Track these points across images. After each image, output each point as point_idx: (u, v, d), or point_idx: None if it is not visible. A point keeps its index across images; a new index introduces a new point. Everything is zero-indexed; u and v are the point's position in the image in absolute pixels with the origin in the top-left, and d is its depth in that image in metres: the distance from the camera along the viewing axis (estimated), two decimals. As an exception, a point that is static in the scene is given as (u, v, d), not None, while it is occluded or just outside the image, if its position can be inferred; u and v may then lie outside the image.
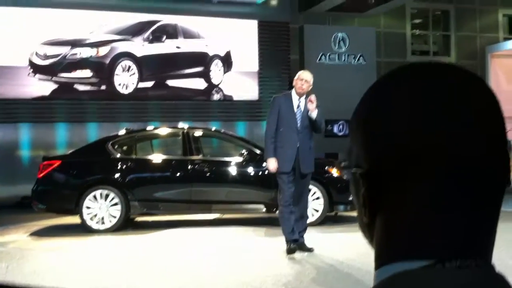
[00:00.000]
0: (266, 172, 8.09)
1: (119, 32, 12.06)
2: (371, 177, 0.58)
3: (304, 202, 6.08)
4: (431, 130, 0.55)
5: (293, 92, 5.95)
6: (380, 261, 0.59)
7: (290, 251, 5.88)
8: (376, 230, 0.60)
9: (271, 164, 5.84)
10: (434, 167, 0.55)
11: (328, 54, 13.13)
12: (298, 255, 5.88)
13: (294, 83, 5.97)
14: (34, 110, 11.18)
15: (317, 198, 7.89)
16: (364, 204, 0.59)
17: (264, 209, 8.06)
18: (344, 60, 13.21)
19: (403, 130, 0.56)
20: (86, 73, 11.72)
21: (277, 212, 6.30)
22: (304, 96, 5.88)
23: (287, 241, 5.94)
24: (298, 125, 5.81)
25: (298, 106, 5.88)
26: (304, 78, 5.87)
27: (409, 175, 0.56)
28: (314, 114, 5.74)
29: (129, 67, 11.98)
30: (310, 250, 6.00)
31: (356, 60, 13.48)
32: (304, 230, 6.08)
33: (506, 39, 16.34)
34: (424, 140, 0.55)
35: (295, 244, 5.91)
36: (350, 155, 0.63)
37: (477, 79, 0.59)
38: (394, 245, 0.58)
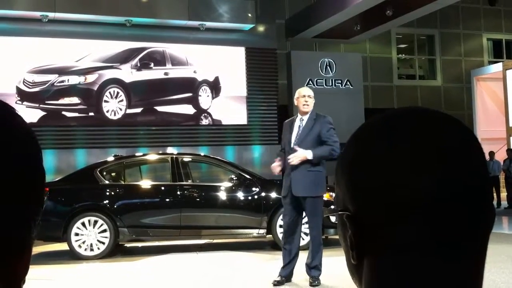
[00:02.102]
0: (256, 197, 8.13)
1: (106, 60, 12.11)
2: (357, 220, 0.59)
3: (312, 231, 5.47)
4: (406, 181, 0.56)
5: (298, 113, 5.57)
6: None
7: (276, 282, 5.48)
8: (364, 273, 0.60)
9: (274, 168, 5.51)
10: (412, 216, 0.56)
11: (315, 79, 13.26)
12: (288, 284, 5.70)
13: (296, 103, 5.57)
14: (22, 138, 11.09)
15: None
16: (351, 246, 0.60)
17: (255, 234, 8.02)
18: (332, 85, 13.34)
19: (380, 181, 0.57)
20: (74, 100, 11.73)
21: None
22: (309, 114, 5.49)
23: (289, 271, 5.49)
24: (292, 142, 5.41)
25: (299, 126, 5.51)
26: (306, 94, 5.50)
27: (389, 221, 0.57)
28: (309, 156, 5.28)
29: (118, 93, 12.00)
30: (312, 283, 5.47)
31: (343, 84, 13.61)
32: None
33: (490, 62, 16.60)
34: (399, 191, 0.56)
35: (280, 273, 5.50)
36: (337, 198, 0.64)
37: (450, 122, 0.60)
38: None
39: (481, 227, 0.57)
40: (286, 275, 5.48)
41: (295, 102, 5.60)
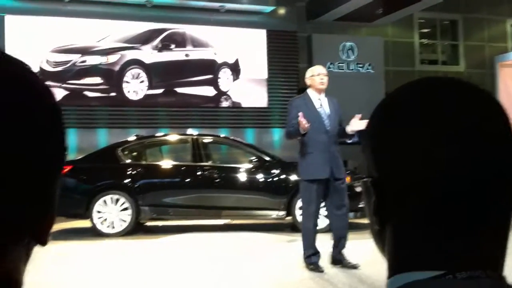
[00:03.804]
0: (276, 179, 8.17)
1: (128, 41, 12.15)
2: (381, 186, 0.60)
3: (343, 207, 5.43)
4: (429, 150, 0.57)
5: (310, 91, 5.46)
6: (392, 270, 0.60)
7: (310, 267, 5.41)
8: (387, 239, 0.61)
9: (302, 125, 5.04)
10: (433, 184, 0.56)
11: (336, 63, 13.18)
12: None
13: (309, 82, 5.46)
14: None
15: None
16: (374, 212, 0.61)
17: (274, 215, 8.08)
18: (353, 69, 13.26)
19: (403, 148, 0.58)
20: (96, 80, 11.80)
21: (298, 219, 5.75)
22: (324, 94, 5.45)
23: (307, 256, 5.43)
24: (326, 125, 5.30)
25: (321, 105, 5.40)
26: (321, 72, 5.43)
27: (412, 189, 0.58)
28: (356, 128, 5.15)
29: (138, 74, 12.06)
30: (354, 266, 5.46)
31: (364, 68, 13.52)
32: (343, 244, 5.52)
33: (514, 49, 16.34)
34: (422, 160, 0.57)
35: (317, 260, 5.42)
36: (363, 165, 0.66)
37: (480, 92, 0.60)
38: (404, 255, 0.59)
39: (505, 201, 0.57)
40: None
41: (308, 81, 5.50)
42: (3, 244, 0.51)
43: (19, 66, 0.54)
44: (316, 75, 5.42)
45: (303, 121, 5.02)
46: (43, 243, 0.55)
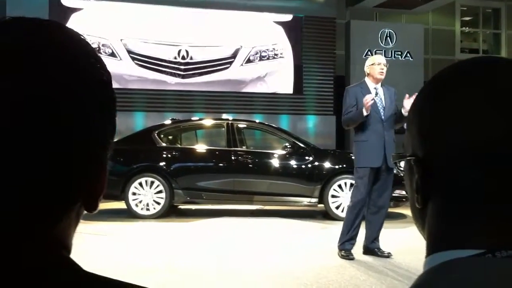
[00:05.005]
0: (309, 165, 8.15)
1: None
2: (425, 164, 0.61)
3: (387, 201, 5.51)
4: (476, 128, 0.56)
5: (367, 80, 5.44)
6: (431, 248, 0.60)
7: (341, 253, 5.43)
8: (427, 217, 0.62)
9: (364, 102, 5.08)
10: (479, 162, 0.56)
11: (374, 50, 13.01)
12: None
13: (368, 70, 5.42)
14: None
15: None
16: (417, 190, 0.61)
17: (306, 202, 8.08)
18: (391, 56, 13.07)
19: (449, 126, 0.58)
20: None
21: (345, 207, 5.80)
22: (380, 84, 5.43)
23: (341, 243, 5.46)
24: (382, 114, 5.31)
25: (377, 94, 5.37)
26: (382, 61, 5.39)
27: (460, 165, 0.58)
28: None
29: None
30: (387, 255, 5.46)
31: (403, 56, 13.31)
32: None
33: (559, 38, 15.84)
34: (468, 138, 0.57)
35: (350, 247, 5.44)
36: (406, 143, 0.66)
37: None
38: (445, 233, 0.59)
39: None
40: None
41: (367, 70, 5.46)
42: (56, 211, 0.54)
43: (78, 39, 0.58)
44: (377, 64, 5.40)
45: (367, 100, 5.06)
46: (93, 209, 0.59)
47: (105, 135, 0.59)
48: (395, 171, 5.80)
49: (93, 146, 0.57)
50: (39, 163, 0.52)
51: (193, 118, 9.63)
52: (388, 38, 13.31)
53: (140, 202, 7.93)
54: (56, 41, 0.55)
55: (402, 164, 0.67)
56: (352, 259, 5.35)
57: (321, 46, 12.95)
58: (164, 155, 8.18)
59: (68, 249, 0.57)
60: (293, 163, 8.20)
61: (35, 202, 0.52)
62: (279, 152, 8.28)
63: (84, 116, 0.55)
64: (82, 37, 0.59)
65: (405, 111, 5.11)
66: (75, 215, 0.58)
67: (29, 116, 0.51)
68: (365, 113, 5.16)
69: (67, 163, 0.54)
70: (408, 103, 5.05)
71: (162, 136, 8.42)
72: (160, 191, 7.96)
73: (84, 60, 0.57)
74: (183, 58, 12.28)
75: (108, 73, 0.60)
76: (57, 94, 0.53)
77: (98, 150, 0.58)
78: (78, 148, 0.55)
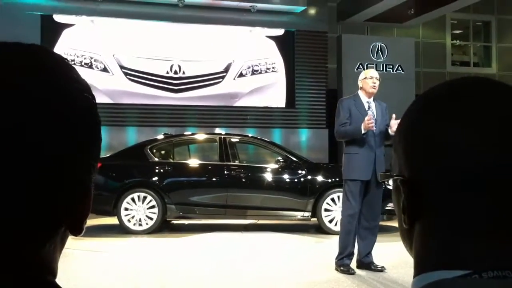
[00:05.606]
0: (302, 179, 8.14)
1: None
2: (411, 185, 0.60)
3: (378, 215, 5.53)
4: (463, 150, 0.56)
5: (360, 93, 5.48)
6: (418, 268, 0.60)
7: (341, 269, 5.38)
8: (414, 237, 0.62)
9: (366, 123, 5.11)
10: (472, 183, 0.56)
11: (366, 64, 13.08)
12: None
13: (361, 84, 5.47)
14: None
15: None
16: (403, 211, 0.61)
17: (299, 216, 8.05)
18: (383, 70, 13.13)
19: (436, 148, 0.58)
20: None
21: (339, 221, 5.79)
22: (373, 98, 5.47)
23: (340, 258, 5.43)
24: (374, 128, 5.27)
25: (369, 107, 5.43)
26: (374, 75, 5.45)
27: (447, 187, 0.57)
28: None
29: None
30: (380, 269, 5.45)
31: (395, 70, 13.39)
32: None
33: (549, 51, 15.99)
34: (455, 160, 0.56)
35: (349, 262, 5.41)
36: (393, 164, 0.66)
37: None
38: (431, 253, 0.59)
39: None
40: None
41: (360, 83, 5.50)
42: (40, 237, 0.54)
43: (64, 64, 0.58)
44: (369, 78, 5.45)
45: (371, 122, 5.11)
46: (78, 232, 0.58)
47: (89, 159, 0.58)
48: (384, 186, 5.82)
49: (78, 171, 0.56)
50: (15, 192, 0.51)
51: (185, 133, 9.62)
52: (380, 51, 13.39)
53: (133, 217, 7.89)
54: (38, 67, 0.55)
55: (391, 182, 0.67)
56: (353, 273, 5.33)
57: (313, 60, 13.00)
58: (157, 170, 8.15)
59: (53, 273, 0.57)
60: (286, 177, 8.19)
61: (17, 229, 0.52)
62: (272, 166, 8.28)
63: (68, 142, 0.55)
64: (66, 61, 0.59)
65: (391, 131, 5.14)
66: (59, 239, 0.57)
67: (6, 144, 0.51)
68: (363, 131, 5.20)
69: (48, 190, 0.53)
70: (395, 123, 5.10)
71: (154, 151, 8.40)
72: (152, 206, 7.92)
73: (69, 85, 0.57)
74: (175, 72, 12.29)
75: (93, 96, 0.60)
76: (38, 120, 0.52)
77: (82, 174, 0.57)
78: (61, 174, 0.54)
